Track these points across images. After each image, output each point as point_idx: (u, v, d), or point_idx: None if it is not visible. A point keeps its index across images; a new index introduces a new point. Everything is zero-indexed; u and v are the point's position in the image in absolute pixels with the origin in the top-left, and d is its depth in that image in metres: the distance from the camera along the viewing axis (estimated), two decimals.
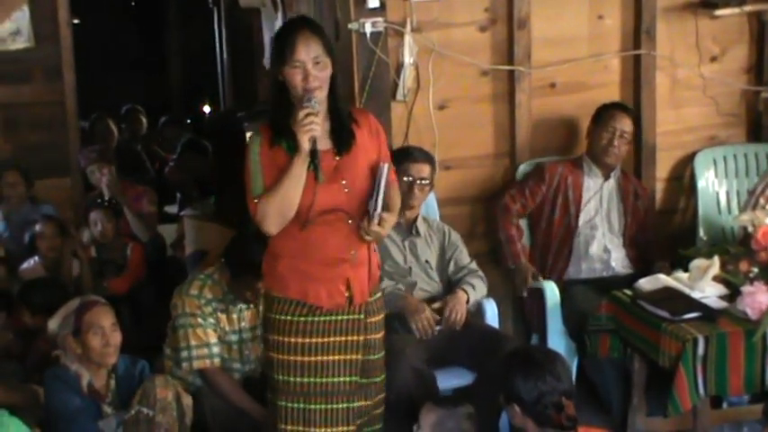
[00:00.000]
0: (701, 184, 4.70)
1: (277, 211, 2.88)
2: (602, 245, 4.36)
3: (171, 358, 3.76)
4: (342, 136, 2.98)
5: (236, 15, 7.28)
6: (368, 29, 4.17)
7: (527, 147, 4.54)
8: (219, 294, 3.69)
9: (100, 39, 9.94)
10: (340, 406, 3.03)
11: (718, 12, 4.60)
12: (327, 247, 2.97)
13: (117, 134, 7.07)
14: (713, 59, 4.75)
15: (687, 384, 3.40)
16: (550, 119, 4.60)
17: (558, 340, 4.12)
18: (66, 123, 5.50)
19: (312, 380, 3.01)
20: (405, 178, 3.87)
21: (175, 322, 3.67)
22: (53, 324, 3.62)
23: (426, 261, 3.99)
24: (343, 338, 3.02)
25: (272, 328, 3.04)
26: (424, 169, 3.97)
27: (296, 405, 3.02)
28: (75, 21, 6.21)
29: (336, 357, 3.02)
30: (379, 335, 3.13)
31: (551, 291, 4.15)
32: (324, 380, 3.01)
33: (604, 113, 4.37)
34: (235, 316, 3.72)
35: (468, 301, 3.88)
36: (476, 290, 3.95)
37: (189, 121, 9.04)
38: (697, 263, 3.78)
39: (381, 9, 4.19)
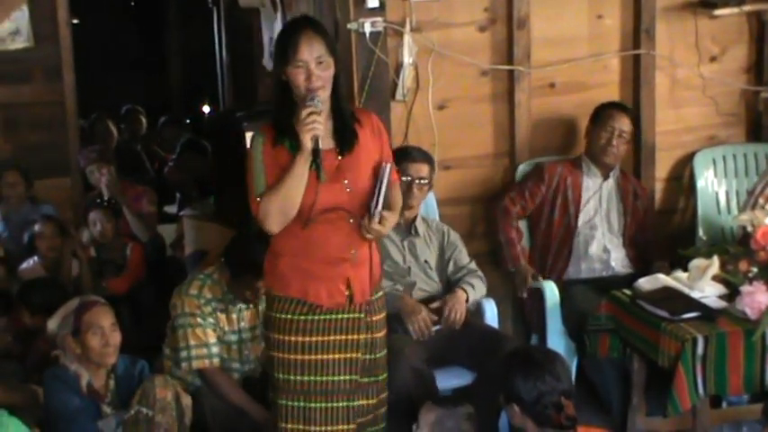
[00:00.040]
0: (700, 183, 4.70)
1: (279, 209, 2.89)
2: (602, 245, 4.36)
3: (170, 358, 3.76)
4: (345, 135, 2.98)
5: (236, 15, 7.28)
6: (367, 29, 4.17)
7: (527, 146, 4.54)
8: (219, 294, 3.69)
9: (99, 39, 9.94)
10: (340, 404, 3.03)
11: (718, 11, 4.60)
12: (329, 246, 2.97)
13: (116, 134, 7.07)
14: (713, 59, 4.75)
15: (686, 384, 3.40)
16: (550, 119, 4.60)
17: (557, 340, 4.12)
18: (66, 123, 5.50)
19: (312, 378, 3.01)
20: (403, 178, 3.87)
21: (175, 322, 3.67)
22: (52, 324, 3.61)
23: (425, 261, 3.99)
24: (344, 337, 3.03)
25: (272, 327, 3.05)
26: (423, 169, 3.97)
27: (296, 404, 3.03)
28: (75, 21, 6.21)
29: (336, 356, 3.02)
30: (381, 333, 3.13)
31: (551, 291, 4.15)
32: (324, 378, 3.01)
33: (602, 113, 4.37)
34: (234, 316, 3.72)
35: (467, 301, 3.88)
36: (475, 289, 3.95)
37: (188, 121, 9.04)
38: (696, 263, 3.78)
39: (381, 9, 4.19)
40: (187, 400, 3.44)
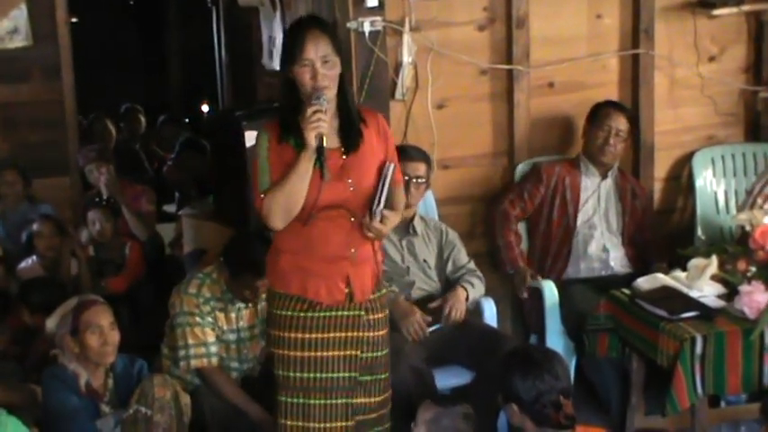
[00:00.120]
0: (699, 183, 4.70)
1: (282, 206, 2.91)
2: (601, 244, 4.36)
3: (169, 357, 3.76)
4: (350, 135, 3.00)
5: (235, 14, 7.26)
6: (366, 28, 4.17)
7: (525, 146, 4.54)
8: (218, 293, 3.69)
9: (98, 37, 9.93)
10: (339, 401, 3.04)
11: (717, 11, 4.60)
12: (329, 244, 2.98)
13: (115, 133, 7.07)
14: (711, 59, 4.75)
15: (685, 383, 3.40)
16: (549, 118, 4.60)
17: (556, 340, 4.12)
18: (65, 122, 5.49)
19: (311, 375, 3.02)
20: None
21: (173, 321, 3.67)
22: (51, 323, 3.61)
23: (424, 260, 3.99)
24: (343, 334, 3.03)
25: (273, 324, 3.07)
26: (420, 167, 3.97)
27: (295, 400, 3.04)
28: (74, 19, 6.20)
29: (335, 353, 3.03)
30: (383, 332, 3.13)
31: (550, 290, 4.15)
32: (323, 375, 3.02)
33: (599, 112, 4.38)
34: (233, 315, 3.72)
35: (467, 299, 3.89)
36: (475, 288, 3.95)
37: (187, 120, 9.03)
38: (695, 262, 3.78)
39: (380, 8, 4.19)
40: (186, 399, 3.44)
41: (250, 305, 3.73)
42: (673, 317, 3.51)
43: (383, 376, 3.15)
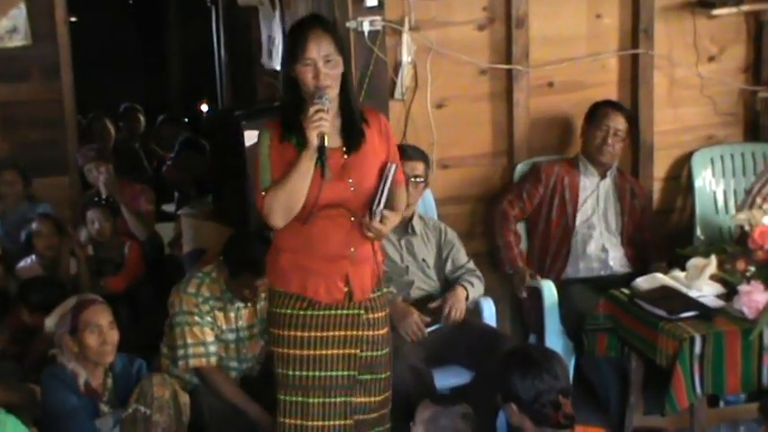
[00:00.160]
0: (698, 183, 4.70)
1: (283, 204, 2.91)
2: (600, 244, 4.36)
3: (168, 356, 3.76)
4: (352, 134, 3.00)
5: (235, 14, 7.26)
6: (366, 27, 4.17)
7: (525, 145, 4.54)
8: (217, 292, 3.69)
9: (98, 37, 9.92)
10: (337, 400, 3.04)
11: (716, 11, 4.60)
12: (328, 243, 2.99)
13: (115, 133, 7.06)
14: (711, 59, 4.75)
15: (684, 383, 3.40)
16: (548, 118, 4.60)
17: (555, 339, 4.12)
18: (64, 122, 5.49)
19: (310, 373, 3.02)
20: None
21: (172, 320, 3.67)
22: (50, 322, 3.61)
23: (423, 260, 3.99)
24: (342, 333, 3.04)
25: (273, 322, 3.08)
26: (418, 167, 3.97)
27: (295, 399, 3.04)
28: (73, 19, 6.19)
29: (335, 352, 3.03)
30: (383, 331, 3.13)
31: (549, 290, 4.15)
32: (322, 374, 3.02)
33: (597, 112, 4.38)
34: (232, 314, 3.71)
35: (467, 298, 3.89)
36: (474, 288, 3.95)
37: (187, 119, 9.02)
38: (694, 262, 3.78)
39: (379, 8, 4.19)
40: (185, 399, 3.44)
41: (249, 305, 3.73)
42: (672, 317, 3.51)
43: (384, 375, 3.15)
